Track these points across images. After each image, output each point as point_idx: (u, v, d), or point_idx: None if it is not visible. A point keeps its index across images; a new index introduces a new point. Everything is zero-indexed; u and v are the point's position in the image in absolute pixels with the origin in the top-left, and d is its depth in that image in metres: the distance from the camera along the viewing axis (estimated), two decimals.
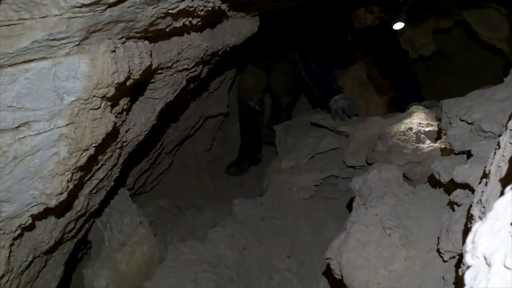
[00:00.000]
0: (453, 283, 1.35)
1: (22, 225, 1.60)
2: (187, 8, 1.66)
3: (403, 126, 2.79)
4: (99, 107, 1.58)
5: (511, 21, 4.10)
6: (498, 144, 1.14)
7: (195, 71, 2.40)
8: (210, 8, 1.82)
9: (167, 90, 2.24)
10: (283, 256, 2.81)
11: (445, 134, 1.87)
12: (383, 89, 4.77)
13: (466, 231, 1.31)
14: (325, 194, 3.17)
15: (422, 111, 2.89)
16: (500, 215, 0.72)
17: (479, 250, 0.70)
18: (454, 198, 1.55)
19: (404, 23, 3.52)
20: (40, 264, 1.93)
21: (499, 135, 1.26)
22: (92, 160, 1.81)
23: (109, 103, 1.66)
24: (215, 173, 4.14)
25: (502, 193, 0.84)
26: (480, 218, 1.12)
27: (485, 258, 0.69)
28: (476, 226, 0.74)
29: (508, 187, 0.77)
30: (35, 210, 1.60)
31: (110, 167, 2.07)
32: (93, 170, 1.92)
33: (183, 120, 3.20)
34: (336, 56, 4.04)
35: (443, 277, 1.43)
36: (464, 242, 1.01)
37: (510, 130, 1.09)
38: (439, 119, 2.08)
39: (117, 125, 1.90)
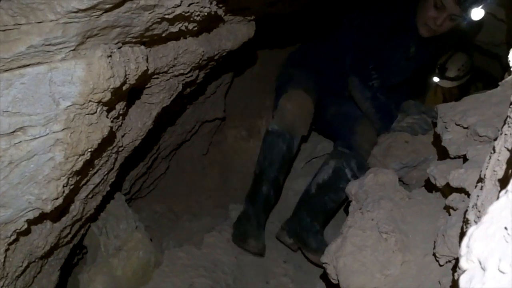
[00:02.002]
0: (450, 287, 1.35)
1: (17, 230, 1.60)
2: (183, 13, 1.67)
3: (399, 130, 2.80)
4: (95, 112, 1.58)
5: (509, 26, 4.11)
6: (493, 149, 1.15)
7: (192, 76, 2.40)
8: (206, 13, 1.82)
9: (163, 95, 2.24)
10: (279, 261, 2.82)
11: (441, 138, 1.88)
12: None
13: (462, 235, 1.31)
14: None
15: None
16: (494, 219, 0.72)
17: (474, 254, 0.71)
18: (450, 203, 1.56)
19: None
20: (36, 270, 1.92)
21: (495, 140, 1.27)
22: (88, 165, 1.81)
23: (105, 108, 1.66)
24: (211, 177, 4.14)
25: (497, 198, 0.84)
26: (476, 222, 1.12)
27: (480, 262, 0.69)
28: (471, 230, 0.75)
29: (503, 192, 0.77)
30: (30, 215, 1.59)
31: (106, 172, 2.07)
32: (89, 175, 1.92)
33: (180, 124, 3.20)
34: (393, 76, 3.15)
35: (439, 282, 1.43)
36: (460, 246, 1.01)
37: (505, 134, 1.10)
38: (434, 124, 2.08)
39: (113, 130, 1.90)
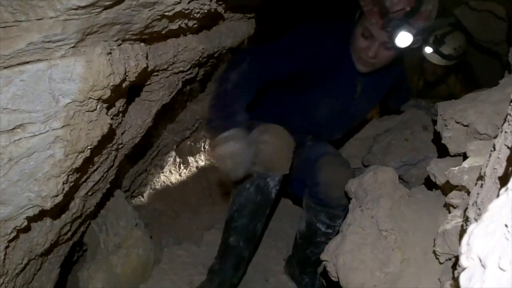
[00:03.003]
0: (450, 285, 1.35)
1: (17, 228, 1.60)
2: (183, 10, 1.66)
3: (399, 128, 2.80)
4: (95, 109, 1.58)
5: (509, 23, 4.11)
6: (494, 146, 1.15)
7: (191, 73, 2.40)
8: (206, 11, 1.82)
9: (163, 92, 2.24)
10: (279, 258, 2.82)
11: (441, 136, 1.88)
12: None
13: (462, 233, 1.31)
14: None
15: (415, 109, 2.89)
16: (494, 217, 0.72)
17: (474, 251, 0.71)
18: (450, 200, 1.55)
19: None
20: (36, 267, 1.92)
21: (495, 137, 1.27)
22: (88, 162, 1.81)
23: (105, 105, 1.66)
24: (210, 175, 4.14)
25: (497, 195, 0.84)
26: (476, 220, 1.12)
27: (480, 260, 0.69)
28: (471, 228, 0.75)
29: (503, 189, 0.77)
30: (30, 213, 1.60)
31: (106, 169, 2.07)
32: (89, 172, 1.92)
33: (179, 122, 3.20)
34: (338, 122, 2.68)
35: (439, 279, 1.43)
36: (460, 244, 1.01)
37: (505, 132, 1.10)
38: (434, 122, 2.08)
39: (113, 127, 1.90)
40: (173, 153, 3.66)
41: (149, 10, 1.54)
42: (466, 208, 1.24)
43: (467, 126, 1.73)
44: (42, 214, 1.69)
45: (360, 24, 2.16)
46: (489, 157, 1.15)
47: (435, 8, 2.05)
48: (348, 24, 2.25)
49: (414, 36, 2.03)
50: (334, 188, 2.30)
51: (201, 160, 3.97)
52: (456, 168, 1.51)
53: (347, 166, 2.46)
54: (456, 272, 1.20)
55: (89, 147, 1.63)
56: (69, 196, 1.85)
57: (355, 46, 2.22)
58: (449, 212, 1.57)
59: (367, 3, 2.06)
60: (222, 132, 2.02)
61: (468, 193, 1.42)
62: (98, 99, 1.55)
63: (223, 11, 2.06)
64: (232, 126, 2.03)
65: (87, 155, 1.66)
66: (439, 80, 4.54)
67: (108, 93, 1.56)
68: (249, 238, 2.34)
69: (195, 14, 1.78)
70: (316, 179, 2.38)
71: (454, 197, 1.54)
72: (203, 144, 3.93)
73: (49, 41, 1.34)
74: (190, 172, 3.88)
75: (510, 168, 0.95)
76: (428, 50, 4.25)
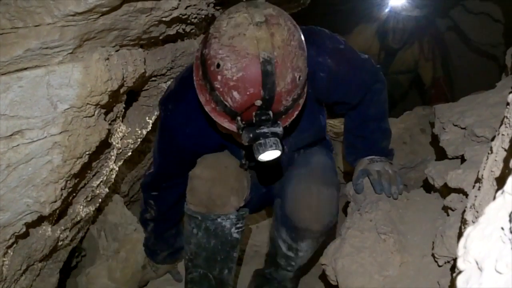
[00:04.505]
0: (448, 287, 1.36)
1: (15, 234, 1.59)
2: (180, 16, 1.67)
3: (397, 131, 2.80)
4: (93, 115, 1.58)
5: (506, 26, 4.13)
6: (491, 149, 1.15)
7: None
8: (203, 16, 1.83)
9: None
10: None
11: (439, 139, 1.88)
12: None
13: (460, 235, 1.31)
14: None
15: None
16: (491, 219, 0.73)
17: (470, 254, 0.71)
18: (448, 203, 1.56)
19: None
20: (34, 273, 1.92)
21: (492, 140, 1.27)
22: (86, 168, 1.80)
23: (102, 111, 1.66)
24: None
25: (494, 198, 0.85)
26: (474, 223, 1.13)
27: (477, 263, 0.69)
28: (468, 231, 0.75)
29: (499, 192, 0.77)
30: (28, 218, 1.59)
31: (104, 174, 2.07)
32: (87, 177, 1.92)
33: None
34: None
35: (438, 282, 1.43)
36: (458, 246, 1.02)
37: (503, 135, 1.10)
38: (432, 124, 2.09)
39: (111, 132, 1.90)
40: None
41: (146, 16, 1.54)
42: (464, 211, 1.24)
43: (464, 128, 1.74)
44: (40, 220, 1.69)
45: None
46: (487, 159, 1.16)
47: (299, 67, 1.41)
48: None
49: (280, 136, 1.42)
50: (302, 208, 1.89)
51: None
52: (454, 170, 1.51)
53: (328, 186, 1.92)
54: (454, 275, 1.21)
55: (87, 153, 1.64)
56: (67, 202, 1.85)
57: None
58: (448, 215, 1.58)
59: (206, 100, 1.50)
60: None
61: (466, 195, 1.42)
62: (96, 105, 1.55)
63: None
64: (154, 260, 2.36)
65: (85, 161, 1.66)
66: (404, 46, 4.33)
67: (106, 98, 1.56)
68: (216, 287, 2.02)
69: (193, 19, 1.79)
70: (285, 191, 1.98)
71: (452, 200, 1.54)
72: None
73: (47, 48, 1.34)
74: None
75: (507, 171, 0.95)
76: None
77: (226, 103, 1.39)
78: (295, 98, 1.46)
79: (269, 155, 1.42)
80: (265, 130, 1.38)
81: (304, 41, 1.45)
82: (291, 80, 1.38)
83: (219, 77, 1.35)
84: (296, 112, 1.54)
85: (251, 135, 1.39)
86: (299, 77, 1.41)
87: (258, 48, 1.31)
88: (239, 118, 1.41)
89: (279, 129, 1.40)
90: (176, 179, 2.02)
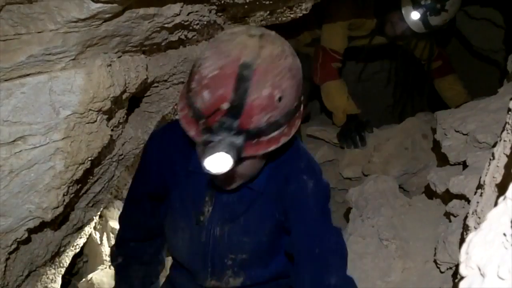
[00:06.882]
0: None
1: (18, 239, 1.60)
2: (182, 22, 1.67)
3: (399, 137, 2.80)
4: (95, 121, 1.59)
5: (507, 31, 4.13)
6: (493, 155, 1.15)
7: None
8: (205, 22, 1.83)
9: (163, 103, 2.25)
10: None
11: (440, 145, 1.88)
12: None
13: (462, 241, 1.31)
14: None
15: None
16: (493, 225, 0.73)
17: (473, 260, 0.71)
18: (450, 209, 1.56)
19: None
20: (36, 278, 1.92)
21: (494, 146, 1.27)
22: (88, 174, 1.81)
23: (105, 117, 1.66)
24: None
25: (496, 204, 0.85)
26: (476, 229, 1.13)
27: (479, 269, 0.69)
28: (470, 237, 0.75)
29: (501, 198, 0.77)
30: (31, 224, 1.60)
31: (106, 180, 2.07)
32: (89, 183, 1.92)
33: None
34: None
35: None
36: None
37: (504, 141, 1.10)
38: (434, 130, 2.09)
39: (114, 138, 1.90)
40: None
41: (149, 22, 1.55)
42: (466, 217, 1.24)
43: (466, 134, 1.74)
44: (42, 226, 1.69)
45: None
46: (488, 165, 1.16)
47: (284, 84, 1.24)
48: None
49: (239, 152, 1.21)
50: None
51: None
52: (456, 176, 1.51)
53: None
54: (456, 281, 1.20)
55: (89, 159, 1.64)
56: (69, 208, 1.86)
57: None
58: (450, 221, 1.57)
59: (181, 106, 1.35)
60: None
61: (468, 201, 1.42)
62: (99, 111, 1.55)
63: (223, 22, 2.07)
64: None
65: (88, 167, 1.66)
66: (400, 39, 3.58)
67: (108, 104, 1.56)
68: None
69: (195, 26, 1.79)
70: None
71: (454, 206, 1.54)
72: None
73: (49, 54, 1.35)
74: None
75: (509, 177, 0.95)
76: (415, 16, 3.16)
77: (196, 105, 1.24)
78: (271, 122, 1.24)
79: (217, 161, 1.18)
80: (221, 137, 1.19)
81: (300, 71, 1.30)
82: (268, 95, 1.20)
83: (196, 76, 1.25)
84: (271, 147, 1.28)
85: (204, 137, 1.21)
86: (280, 98, 1.22)
87: (242, 53, 1.21)
88: (202, 122, 1.23)
89: (238, 140, 1.20)
90: (144, 203, 1.74)
